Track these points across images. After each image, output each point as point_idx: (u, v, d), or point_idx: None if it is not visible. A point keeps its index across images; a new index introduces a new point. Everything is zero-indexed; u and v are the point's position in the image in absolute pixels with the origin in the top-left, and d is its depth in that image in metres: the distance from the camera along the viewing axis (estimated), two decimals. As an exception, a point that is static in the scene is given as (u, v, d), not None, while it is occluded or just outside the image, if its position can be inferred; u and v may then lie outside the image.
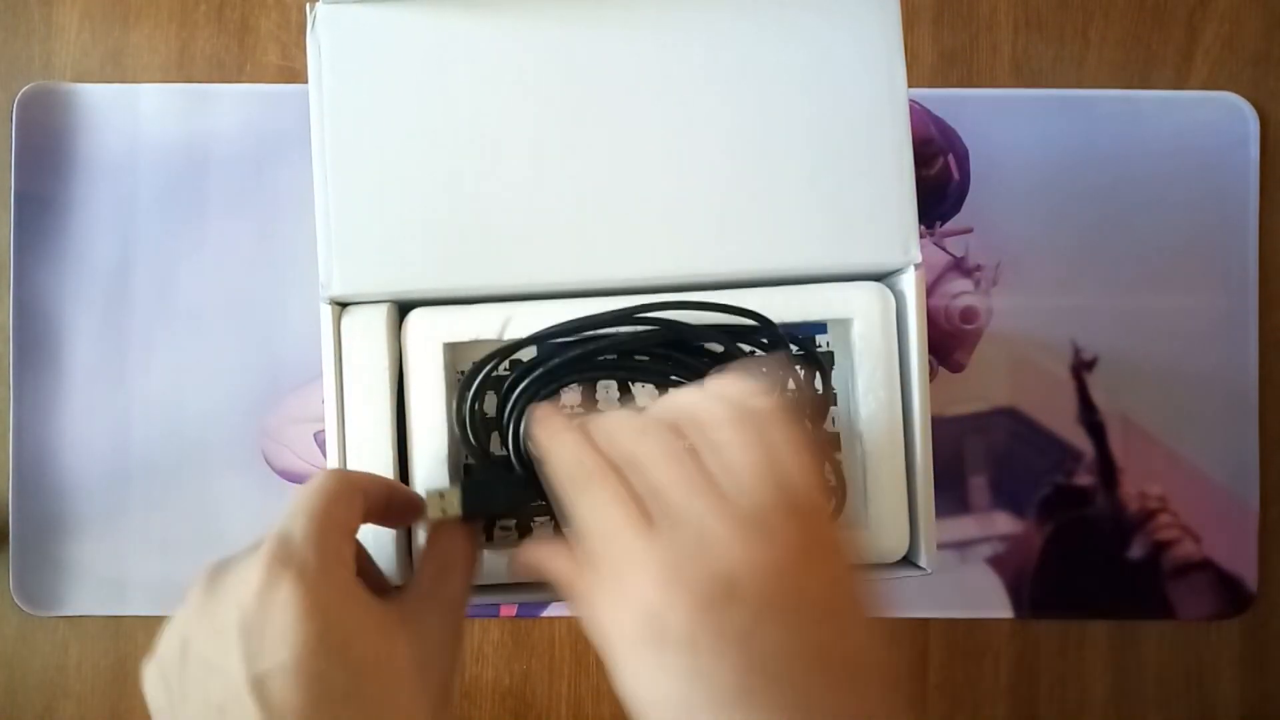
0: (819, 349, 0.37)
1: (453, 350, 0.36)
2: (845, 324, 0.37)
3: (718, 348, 0.37)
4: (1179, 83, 0.53)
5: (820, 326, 0.37)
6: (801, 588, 0.27)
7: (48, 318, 0.52)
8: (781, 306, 0.36)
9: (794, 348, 0.37)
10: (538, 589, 0.37)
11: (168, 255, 0.52)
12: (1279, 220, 0.53)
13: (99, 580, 0.51)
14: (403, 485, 0.35)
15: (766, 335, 0.36)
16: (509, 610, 0.52)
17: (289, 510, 0.29)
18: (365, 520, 0.32)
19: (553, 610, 0.52)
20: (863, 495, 0.37)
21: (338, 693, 0.27)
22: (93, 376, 0.52)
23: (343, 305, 0.36)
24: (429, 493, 0.33)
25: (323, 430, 0.36)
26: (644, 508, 0.28)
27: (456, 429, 0.36)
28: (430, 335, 0.36)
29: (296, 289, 0.52)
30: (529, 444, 0.32)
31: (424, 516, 0.34)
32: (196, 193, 0.52)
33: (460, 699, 0.52)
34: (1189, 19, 0.53)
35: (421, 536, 0.35)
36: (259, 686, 0.26)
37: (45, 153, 0.52)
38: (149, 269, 0.52)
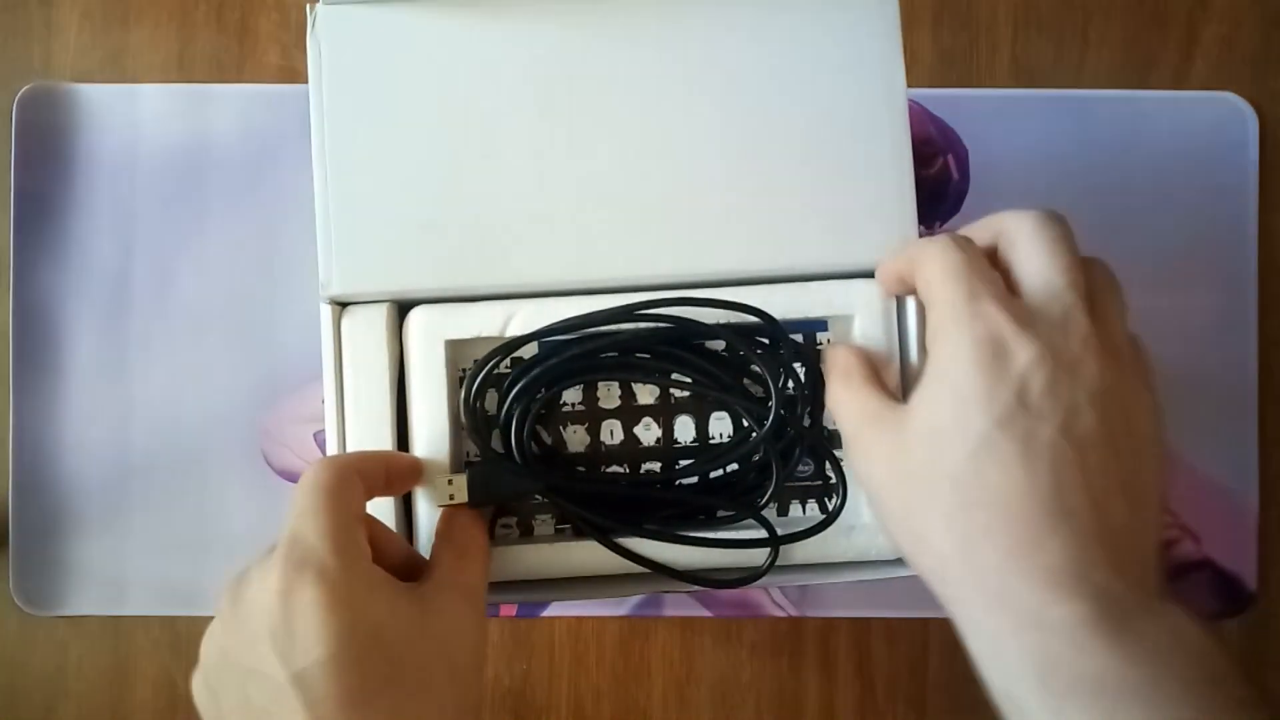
0: (819, 346, 0.37)
1: (454, 347, 0.36)
2: (847, 321, 0.37)
3: (718, 344, 0.37)
4: (1178, 83, 0.53)
5: (821, 324, 0.37)
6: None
7: (48, 318, 0.52)
8: (783, 303, 0.36)
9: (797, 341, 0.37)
10: (537, 589, 0.37)
11: (168, 255, 0.52)
12: (1279, 220, 0.53)
13: (99, 580, 0.51)
14: (398, 453, 0.36)
15: (768, 332, 0.36)
16: (509, 610, 0.52)
17: (294, 510, 0.30)
18: (369, 498, 0.32)
19: (553, 610, 0.52)
20: (862, 493, 0.37)
21: (377, 679, 0.28)
22: (93, 377, 0.52)
23: (343, 305, 0.36)
24: (437, 479, 0.34)
25: (323, 430, 0.36)
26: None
27: (466, 422, 0.36)
28: (432, 332, 0.36)
29: (296, 289, 0.52)
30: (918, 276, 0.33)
31: (424, 483, 0.35)
32: (196, 193, 0.52)
33: (460, 699, 0.52)
34: (1188, 19, 0.53)
35: (423, 520, 0.36)
36: (299, 683, 0.27)
37: (45, 152, 0.52)
38: (149, 269, 0.52)
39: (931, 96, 0.53)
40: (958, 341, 0.29)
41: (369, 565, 0.30)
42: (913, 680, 0.52)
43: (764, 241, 0.36)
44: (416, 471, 0.35)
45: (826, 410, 0.37)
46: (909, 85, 0.37)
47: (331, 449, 0.35)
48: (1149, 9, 0.53)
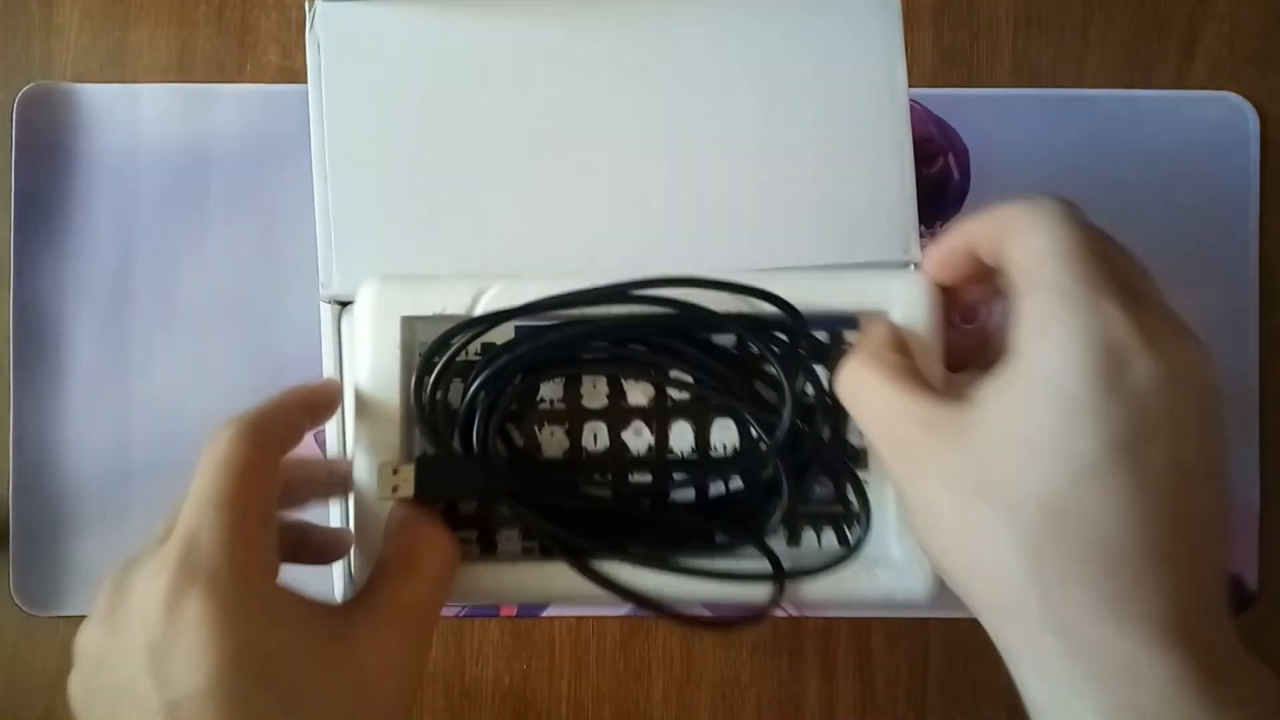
0: (845, 345, 0.32)
1: (411, 326, 0.32)
2: (880, 317, 0.32)
3: (727, 340, 0.32)
4: (1179, 82, 0.53)
5: (850, 320, 0.32)
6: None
7: (48, 318, 0.52)
8: (804, 293, 0.31)
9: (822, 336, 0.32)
10: (536, 589, 0.37)
11: (168, 255, 0.52)
12: (1279, 220, 0.53)
13: (99, 580, 0.51)
14: (312, 386, 0.31)
15: (787, 327, 0.31)
16: (509, 610, 0.52)
17: (195, 495, 0.26)
18: (292, 446, 0.28)
19: (553, 610, 0.52)
20: (891, 523, 0.33)
21: (265, 717, 0.25)
22: (93, 376, 0.51)
23: (343, 304, 0.36)
24: (380, 465, 0.30)
25: (323, 430, 0.36)
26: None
27: (418, 414, 0.31)
28: (386, 307, 0.32)
29: (296, 289, 0.52)
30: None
31: (366, 472, 0.31)
32: (196, 193, 0.52)
33: (460, 699, 0.52)
34: (1189, 18, 0.53)
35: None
36: (172, 713, 0.24)
37: (45, 152, 0.52)
38: (149, 269, 0.52)
39: (932, 96, 0.53)
40: (1070, 341, 0.25)
41: (270, 583, 0.26)
42: (913, 680, 0.52)
43: (764, 242, 0.36)
44: (337, 394, 0.31)
45: (851, 423, 0.32)
46: (909, 85, 0.37)
47: (332, 449, 0.35)
48: (1149, 9, 0.53)
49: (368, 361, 0.32)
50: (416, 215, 0.36)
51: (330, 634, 0.26)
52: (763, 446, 0.32)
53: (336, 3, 0.36)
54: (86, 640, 0.27)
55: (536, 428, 0.33)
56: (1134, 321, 0.25)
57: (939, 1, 0.53)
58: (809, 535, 0.33)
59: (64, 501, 0.51)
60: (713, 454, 0.33)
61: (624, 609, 0.52)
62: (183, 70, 0.53)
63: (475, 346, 0.32)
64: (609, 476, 0.33)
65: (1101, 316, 0.25)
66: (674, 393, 0.33)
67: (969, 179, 0.52)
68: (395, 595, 0.28)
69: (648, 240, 0.36)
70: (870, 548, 0.32)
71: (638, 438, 0.33)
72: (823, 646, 0.52)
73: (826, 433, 0.32)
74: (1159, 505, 0.24)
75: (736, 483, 0.33)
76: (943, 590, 0.30)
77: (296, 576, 0.53)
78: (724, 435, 0.33)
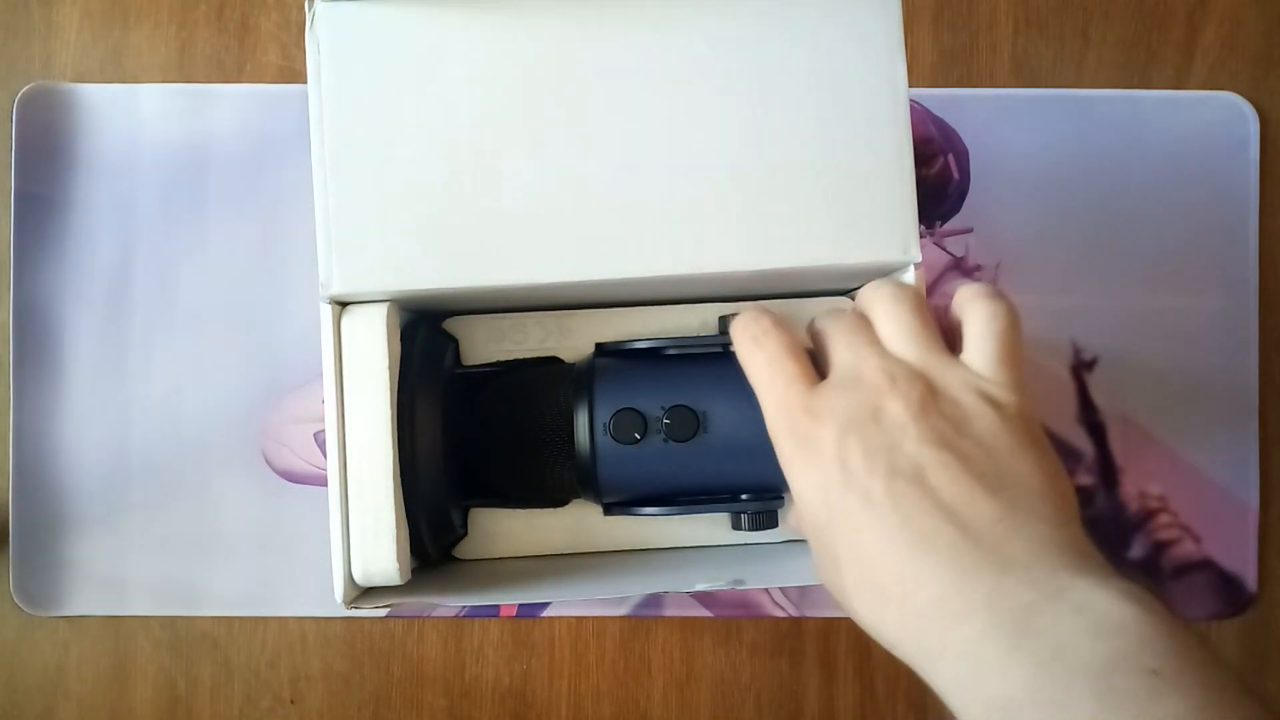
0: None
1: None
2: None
3: None
4: (1179, 83, 0.53)
5: None
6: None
7: (48, 318, 0.52)
8: None
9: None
10: (536, 588, 0.37)
11: (168, 255, 0.52)
12: (1279, 220, 0.53)
13: (99, 580, 0.51)
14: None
15: None
16: (509, 610, 0.52)
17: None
18: None
19: (553, 610, 0.52)
20: None
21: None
22: (93, 376, 0.51)
23: (343, 304, 0.36)
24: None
25: (323, 430, 0.36)
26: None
27: None
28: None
29: (296, 289, 0.52)
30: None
31: None
32: (196, 193, 0.52)
33: (460, 699, 0.52)
34: (1189, 19, 0.53)
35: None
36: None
37: (45, 152, 0.52)
38: (149, 269, 0.52)
39: (932, 96, 0.53)
40: (779, 443, 0.31)
41: None
42: (913, 680, 0.52)
43: (764, 242, 0.36)
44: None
45: None
46: (910, 85, 0.37)
47: (331, 449, 0.35)
48: (1149, 9, 0.53)
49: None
50: (416, 215, 0.36)
51: None
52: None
53: (336, 3, 0.36)
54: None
55: None
56: (803, 398, 0.31)
57: (939, 1, 0.53)
58: None
59: (64, 501, 0.51)
60: None
61: (624, 609, 0.52)
62: (183, 70, 0.53)
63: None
64: None
65: (781, 407, 0.32)
66: None
67: (969, 179, 0.52)
68: None
69: (648, 239, 0.36)
70: None
71: None
72: (823, 646, 0.52)
73: None
74: (894, 510, 0.29)
75: None
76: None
77: (296, 574, 0.53)
78: None
